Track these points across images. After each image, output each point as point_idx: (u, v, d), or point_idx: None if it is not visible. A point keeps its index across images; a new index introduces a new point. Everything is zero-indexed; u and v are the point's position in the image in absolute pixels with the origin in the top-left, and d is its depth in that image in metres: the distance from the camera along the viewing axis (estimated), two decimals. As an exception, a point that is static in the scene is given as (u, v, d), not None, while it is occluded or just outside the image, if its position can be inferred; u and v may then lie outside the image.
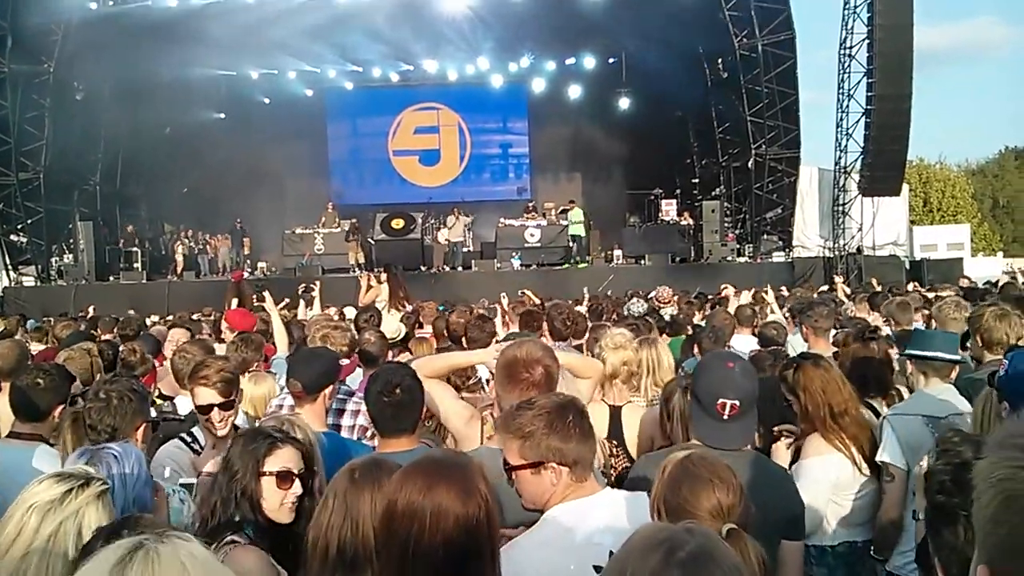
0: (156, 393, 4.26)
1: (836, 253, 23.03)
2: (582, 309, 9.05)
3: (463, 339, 6.64)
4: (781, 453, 3.55)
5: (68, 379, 3.75)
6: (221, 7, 21.44)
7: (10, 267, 23.11)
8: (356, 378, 5.28)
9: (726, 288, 11.12)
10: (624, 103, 26.98)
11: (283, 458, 2.65)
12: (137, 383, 3.37)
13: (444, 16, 22.72)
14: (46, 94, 21.90)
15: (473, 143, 28.83)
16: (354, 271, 22.90)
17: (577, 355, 4.47)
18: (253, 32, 22.05)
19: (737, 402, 2.90)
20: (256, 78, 26.55)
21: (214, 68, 25.05)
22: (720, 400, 2.90)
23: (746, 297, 9.91)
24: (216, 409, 3.62)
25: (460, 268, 22.82)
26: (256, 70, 26.35)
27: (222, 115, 26.94)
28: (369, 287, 11.43)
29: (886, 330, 7.30)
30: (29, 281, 23.27)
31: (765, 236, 24.03)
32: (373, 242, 24.11)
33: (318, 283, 12.21)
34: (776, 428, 3.57)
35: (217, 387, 3.65)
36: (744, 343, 7.26)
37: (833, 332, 5.89)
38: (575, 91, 27.54)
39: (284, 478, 2.63)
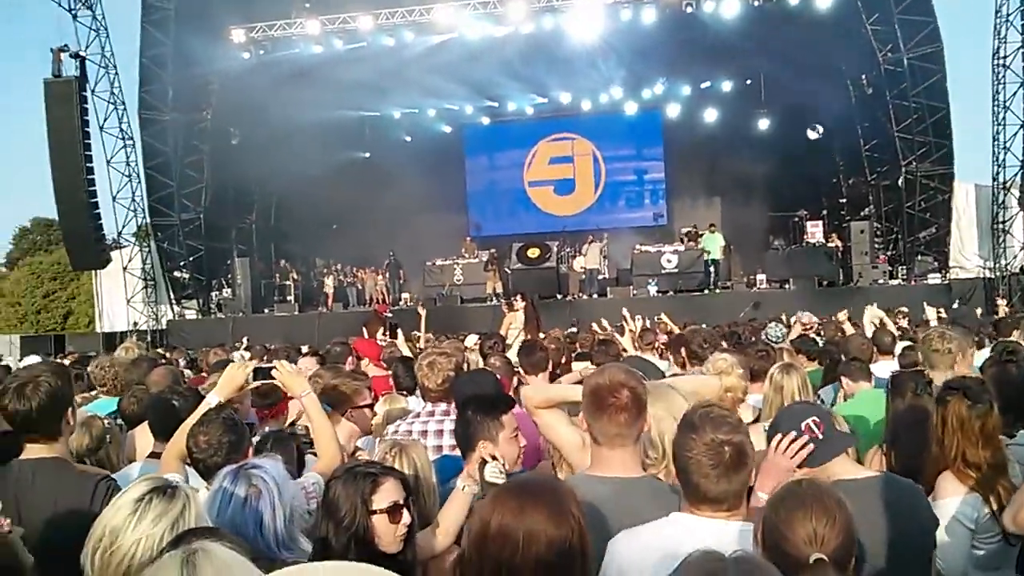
0: (288, 423, 4.46)
1: (997, 273, 21.56)
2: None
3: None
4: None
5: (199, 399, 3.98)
6: (363, 51, 22.53)
7: (174, 301, 24.82)
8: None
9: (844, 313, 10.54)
10: (763, 124, 26.36)
11: (389, 492, 2.68)
12: (229, 414, 3.49)
13: (575, 47, 22.92)
14: (205, 140, 23.58)
15: (608, 171, 28.83)
16: (491, 300, 23.32)
17: (694, 378, 4.38)
18: (394, 74, 23.11)
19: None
20: (398, 117, 27.71)
21: (359, 110, 26.29)
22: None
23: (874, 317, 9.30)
24: None
25: (596, 295, 22.76)
26: (398, 110, 27.51)
27: (367, 154, 28.16)
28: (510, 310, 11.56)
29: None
30: (191, 314, 24.93)
31: (919, 257, 22.76)
32: (510, 271, 24.41)
33: (424, 309, 12.41)
34: None
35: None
36: (885, 369, 6.90)
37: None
38: (711, 114, 27.12)
39: (395, 512, 2.66)
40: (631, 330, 8.74)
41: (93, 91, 22.73)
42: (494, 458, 2.99)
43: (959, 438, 3.26)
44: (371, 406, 4.44)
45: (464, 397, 3.63)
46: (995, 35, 20.82)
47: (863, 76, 22.92)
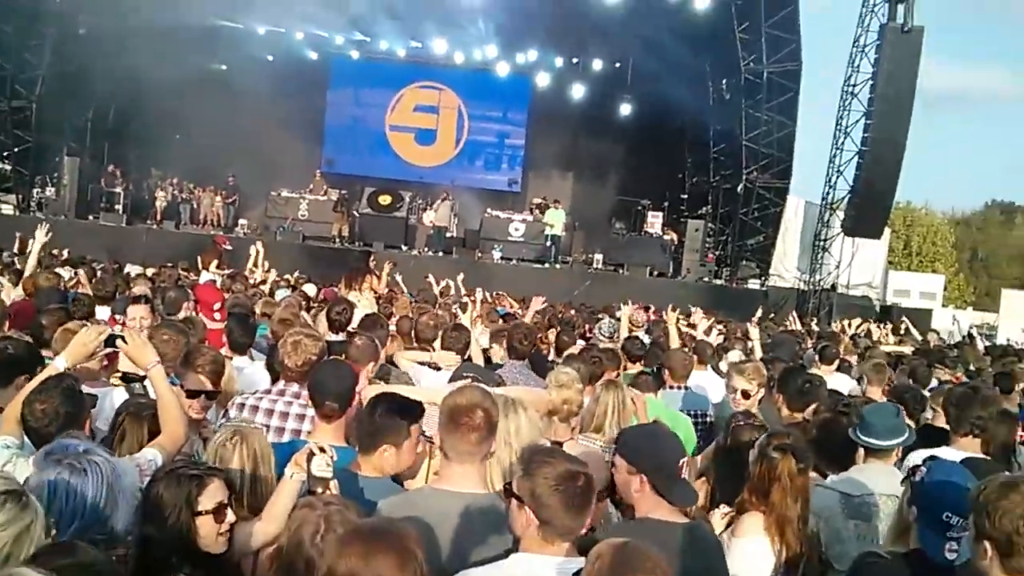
0: (119, 374, 4.30)
1: (811, 287, 23.30)
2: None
3: (431, 342, 6.77)
4: (715, 521, 3.71)
5: (36, 353, 3.85)
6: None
7: (-10, 194, 22.95)
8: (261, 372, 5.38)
9: (696, 312, 11.26)
10: (625, 109, 27.10)
11: (215, 493, 2.70)
12: (71, 384, 3.40)
13: (458, -1, 22.65)
14: (49, 24, 21.66)
15: (471, 128, 28.76)
16: (335, 242, 22.97)
17: (524, 389, 4.63)
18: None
19: (686, 459, 3.20)
20: (262, 33, 26.29)
21: (221, 19, 24.84)
22: (681, 461, 3.16)
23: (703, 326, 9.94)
24: (203, 396, 4.01)
25: (441, 253, 22.87)
26: (263, 26, 26.12)
27: (223, 67, 26.70)
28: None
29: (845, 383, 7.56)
30: (8, 210, 23.09)
31: (744, 262, 24.25)
32: (358, 215, 24.09)
33: (262, 245, 12.26)
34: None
35: (212, 375, 4.03)
36: (704, 380, 7.37)
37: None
38: (578, 90, 27.56)
39: (220, 513, 2.69)
40: (474, 308, 8.96)
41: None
42: (322, 450, 3.00)
43: (785, 495, 3.50)
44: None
45: (372, 397, 3.63)
46: (849, 63, 22.10)
47: (724, 81, 23.96)
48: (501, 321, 9.15)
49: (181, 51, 23.35)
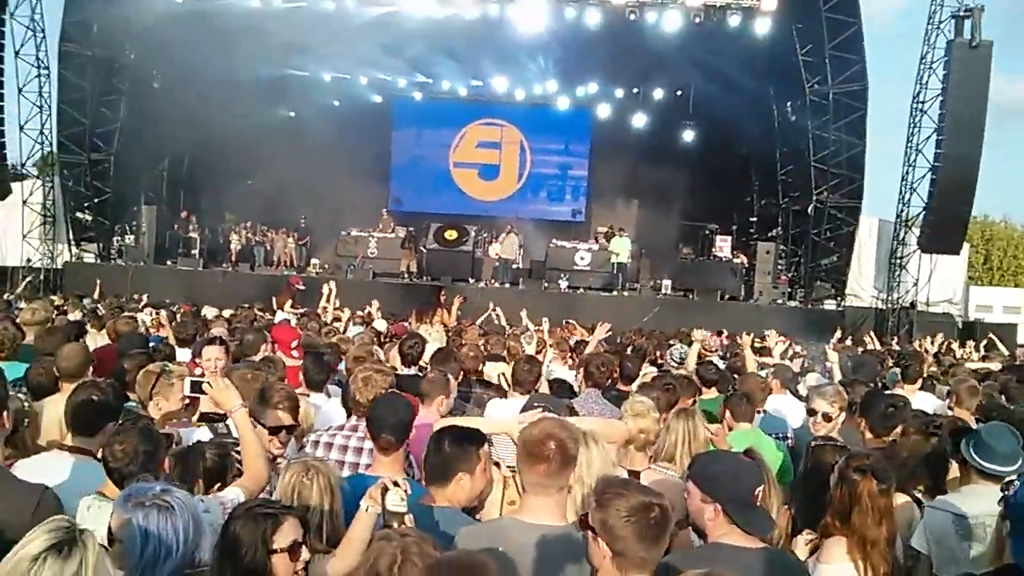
0: (197, 415, 4.40)
1: (889, 306, 22.69)
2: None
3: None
4: (799, 547, 3.61)
5: (121, 399, 3.94)
6: (301, 11, 21.99)
7: (73, 243, 23.85)
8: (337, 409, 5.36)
9: (771, 335, 11.02)
10: (688, 136, 26.99)
11: (289, 532, 2.72)
12: (146, 424, 3.48)
13: (516, 37, 22.91)
14: (124, 79, 22.64)
15: (533, 162, 29.00)
16: (403, 277, 23.26)
17: (600, 421, 4.58)
18: (330, 37, 22.61)
19: (762, 488, 3.14)
20: (328, 80, 27.08)
21: (288, 68, 25.62)
22: (757, 489, 3.10)
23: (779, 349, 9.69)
24: (285, 431, 4.03)
25: (508, 284, 22.94)
26: (329, 73, 26.90)
27: (292, 113, 27.49)
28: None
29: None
30: (89, 258, 24.01)
31: (818, 283, 23.74)
32: (425, 251, 24.36)
33: (335, 284, 12.42)
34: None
35: (289, 410, 4.05)
36: (783, 404, 7.20)
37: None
38: (640, 120, 27.57)
39: (295, 551, 2.71)
40: (541, 338, 8.95)
41: (12, 14, 21.61)
42: (396, 484, 3.01)
43: (867, 517, 3.43)
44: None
45: (437, 429, 3.68)
46: (917, 80, 21.78)
47: (788, 104, 23.68)
48: (571, 351, 9.11)
49: (251, 101, 24.14)
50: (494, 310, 14.11)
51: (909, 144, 22.15)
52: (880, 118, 26.31)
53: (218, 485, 3.58)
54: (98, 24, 21.53)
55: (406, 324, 11.89)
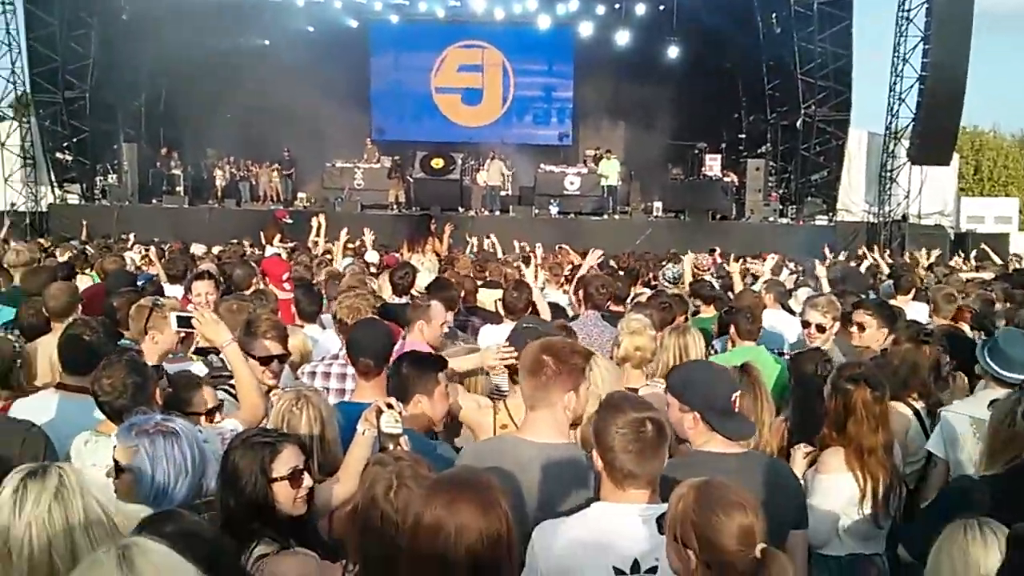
0: (192, 348, 4.37)
1: (880, 220, 22.71)
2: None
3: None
4: (797, 460, 3.66)
5: (114, 336, 3.90)
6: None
7: (55, 184, 23.52)
8: (333, 340, 5.35)
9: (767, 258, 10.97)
10: (673, 52, 26.40)
11: (288, 459, 2.72)
12: (132, 356, 3.46)
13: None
14: (93, 12, 21.98)
15: (517, 84, 28.45)
16: (392, 208, 23.08)
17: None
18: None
19: (739, 393, 3.16)
20: (301, 5, 26.31)
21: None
22: (732, 395, 3.10)
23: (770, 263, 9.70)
24: (276, 360, 4.05)
25: (498, 212, 22.80)
26: (302, -2, 26.15)
27: (266, 42, 26.82)
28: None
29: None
30: (73, 199, 23.72)
31: (809, 199, 23.68)
32: (412, 180, 24.12)
33: (324, 217, 12.29)
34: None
35: (277, 340, 4.05)
36: (777, 319, 7.18)
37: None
38: (623, 37, 26.92)
39: (295, 478, 2.71)
40: (536, 263, 8.88)
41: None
42: (390, 407, 3.03)
43: (862, 425, 3.46)
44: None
45: (398, 355, 3.71)
46: (902, -13, 21.38)
47: (773, 15, 23.23)
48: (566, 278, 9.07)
49: (223, 29, 23.51)
50: (488, 237, 14.05)
51: (896, 54, 21.89)
52: (866, 28, 25.99)
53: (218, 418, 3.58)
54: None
55: (397, 256, 11.80)
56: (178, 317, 3.69)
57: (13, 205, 22.85)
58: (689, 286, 8.52)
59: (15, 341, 4.27)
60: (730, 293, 8.16)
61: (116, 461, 2.61)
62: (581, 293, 6.68)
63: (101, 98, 22.90)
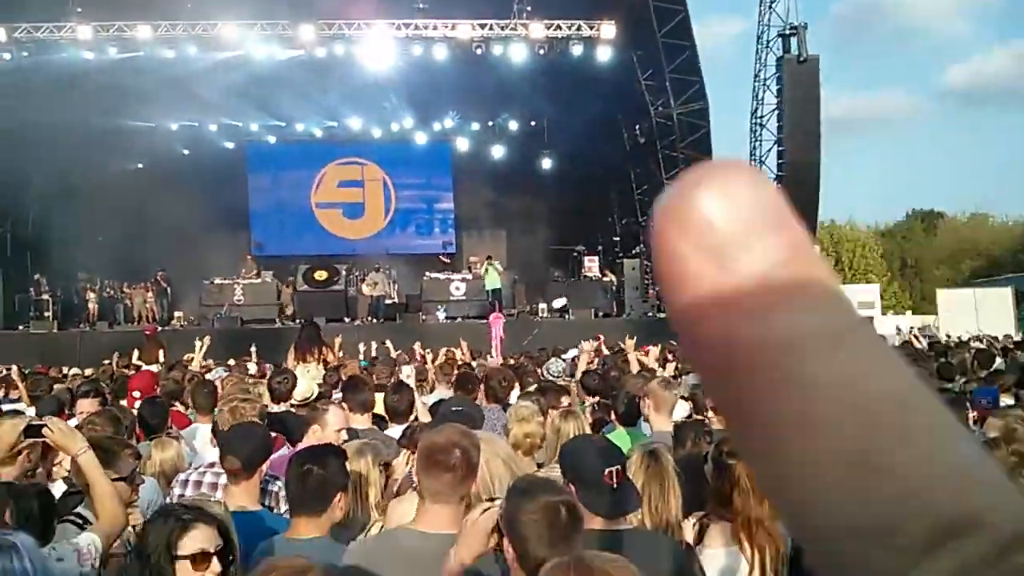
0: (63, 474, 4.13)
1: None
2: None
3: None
4: (687, 532, 3.58)
5: None
6: (139, 61, 21.34)
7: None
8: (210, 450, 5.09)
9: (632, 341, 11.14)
10: (546, 163, 27.56)
11: (197, 539, 2.62)
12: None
13: (367, 76, 22.93)
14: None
15: (398, 198, 28.89)
16: (278, 321, 22.65)
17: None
18: (172, 86, 21.99)
19: (619, 467, 3.07)
20: (175, 129, 26.24)
21: (133, 119, 24.73)
22: (607, 469, 3.00)
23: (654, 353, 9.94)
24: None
25: (384, 320, 22.69)
26: (176, 122, 26.11)
27: (139, 165, 26.47)
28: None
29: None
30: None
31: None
32: (294, 293, 23.85)
33: (208, 337, 12.03)
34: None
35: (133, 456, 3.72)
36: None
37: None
38: (498, 151, 27.98)
39: (200, 560, 2.60)
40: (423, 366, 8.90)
41: None
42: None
43: (748, 497, 3.41)
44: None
45: (298, 456, 3.52)
46: (754, 97, 23.18)
47: (637, 126, 24.59)
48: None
49: (94, 154, 23.18)
50: (383, 343, 14.01)
51: (753, 157, 23.39)
52: (724, 136, 27.71)
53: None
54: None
55: (269, 366, 11.54)
56: (29, 425, 3.50)
57: None
58: (579, 380, 8.60)
59: None
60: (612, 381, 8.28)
61: None
62: (482, 388, 6.68)
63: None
